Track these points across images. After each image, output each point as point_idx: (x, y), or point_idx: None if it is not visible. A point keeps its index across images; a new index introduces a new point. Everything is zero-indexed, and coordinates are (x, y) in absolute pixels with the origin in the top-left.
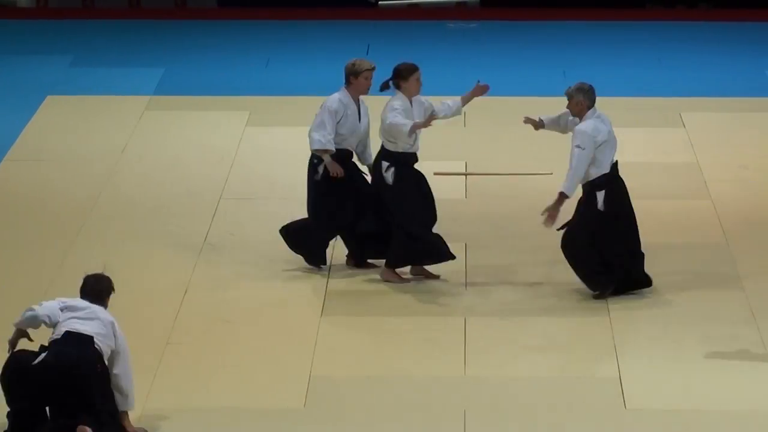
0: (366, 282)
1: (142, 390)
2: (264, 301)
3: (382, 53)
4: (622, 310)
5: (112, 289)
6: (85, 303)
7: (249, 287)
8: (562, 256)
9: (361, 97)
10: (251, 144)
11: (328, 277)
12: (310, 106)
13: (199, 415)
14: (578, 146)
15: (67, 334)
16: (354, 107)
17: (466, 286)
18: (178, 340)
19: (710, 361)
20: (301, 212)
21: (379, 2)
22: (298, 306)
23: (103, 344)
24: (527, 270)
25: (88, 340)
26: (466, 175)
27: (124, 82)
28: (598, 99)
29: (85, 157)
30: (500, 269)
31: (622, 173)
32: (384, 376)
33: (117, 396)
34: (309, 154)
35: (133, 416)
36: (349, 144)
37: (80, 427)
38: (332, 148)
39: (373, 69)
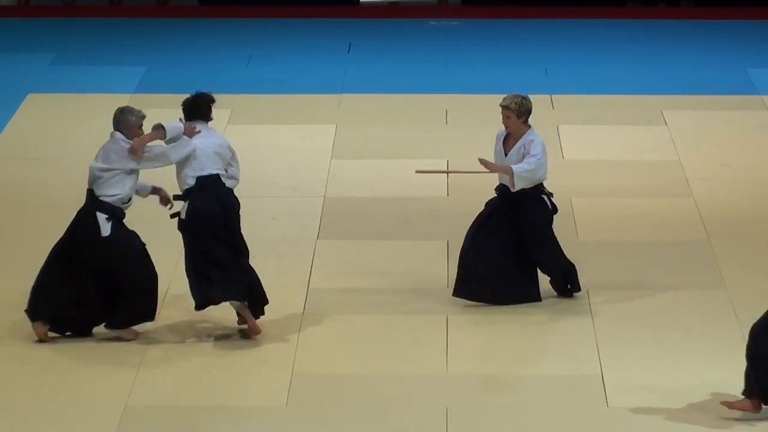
0: (348, 280)
1: (125, 387)
2: None
3: (363, 51)
4: (604, 308)
5: None
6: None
7: None
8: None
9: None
10: (233, 142)
11: (310, 275)
12: (291, 103)
13: (182, 413)
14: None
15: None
16: None
17: (448, 284)
18: (161, 338)
19: (692, 358)
20: (281, 209)
21: (361, 0)
22: (280, 303)
23: None
24: None
25: None
26: (447, 173)
27: (106, 80)
28: (582, 97)
29: (67, 155)
30: None
31: (604, 171)
32: (366, 375)
33: None
34: (291, 152)
35: (116, 413)
36: None
37: None
38: None
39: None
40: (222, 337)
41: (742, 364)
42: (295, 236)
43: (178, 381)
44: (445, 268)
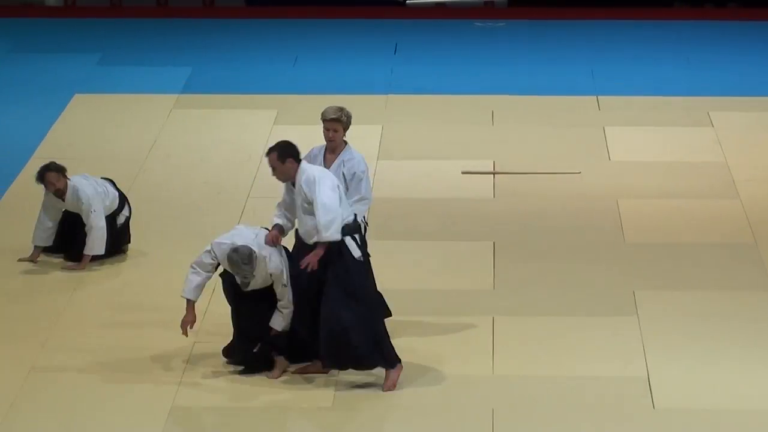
0: (394, 280)
1: (171, 388)
2: None
3: (409, 52)
4: (650, 309)
5: None
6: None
7: None
8: (589, 255)
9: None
10: None
11: None
12: (337, 104)
13: (228, 413)
14: None
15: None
16: None
17: (494, 285)
18: (208, 338)
19: (739, 360)
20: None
21: (407, 1)
22: None
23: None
24: (555, 269)
25: None
26: (494, 174)
27: (152, 81)
28: (628, 98)
29: (113, 155)
30: (528, 268)
31: (650, 172)
32: (411, 376)
33: None
34: None
35: (163, 414)
36: None
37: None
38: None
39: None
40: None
41: None
42: None
43: (224, 381)
44: (490, 270)
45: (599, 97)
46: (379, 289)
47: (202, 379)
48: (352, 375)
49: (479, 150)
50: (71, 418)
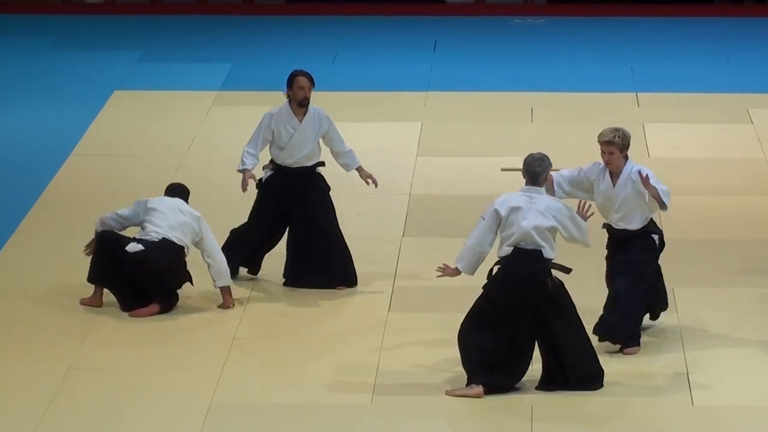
0: (433, 277)
1: (210, 385)
2: (329, 294)
3: (448, 49)
4: (690, 306)
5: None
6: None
7: None
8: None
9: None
10: None
11: (396, 273)
12: (377, 101)
13: (266, 410)
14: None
15: (164, 240)
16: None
17: None
18: (246, 335)
19: None
20: (366, 207)
21: None
22: (366, 301)
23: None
24: (594, 266)
25: (179, 249)
26: None
27: (191, 78)
28: (668, 95)
29: (152, 152)
30: (566, 263)
31: (689, 169)
32: (450, 373)
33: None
34: (376, 149)
35: (201, 411)
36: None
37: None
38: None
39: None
40: (306, 335)
41: None
42: (381, 234)
43: (263, 378)
44: None
45: (638, 94)
46: (418, 285)
47: (241, 375)
48: (390, 372)
49: (518, 147)
50: (109, 415)
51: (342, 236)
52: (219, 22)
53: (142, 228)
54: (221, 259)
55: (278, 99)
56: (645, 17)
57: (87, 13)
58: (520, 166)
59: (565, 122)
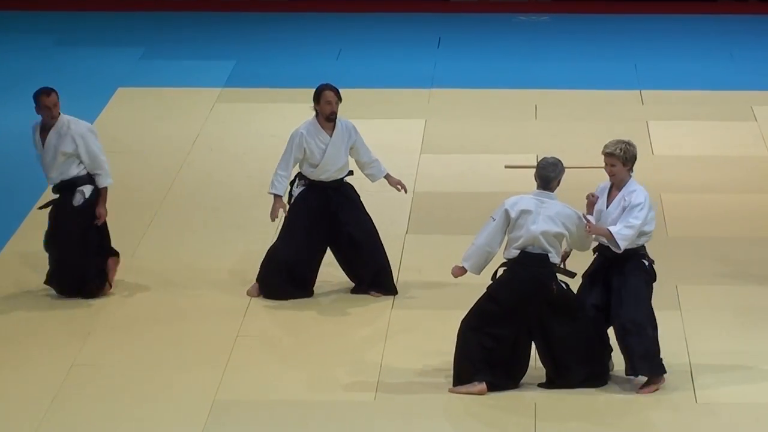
0: (437, 274)
1: (213, 382)
2: (335, 288)
3: (452, 46)
4: (692, 303)
5: None
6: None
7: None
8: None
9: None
10: None
11: (399, 270)
12: (381, 98)
13: (269, 407)
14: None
15: None
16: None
17: None
18: (249, 333)
19: None
20: (370, 204)
21: None
22: (369, 298)
23: None
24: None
25: None
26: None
27: (195, 75)
28: (672, 92)
29: (156, 148)
30: (569, 262)
31: (693, 167)
32: (452, 368)
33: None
34: (380, 146)
35: (205, 408)
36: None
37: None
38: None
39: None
40: (309, 332)
41: None
42: (384, 231)
43: (266, 376)
44: None
45: (642, 91)
46: (422, 282)
47: (244, 372)
48: (393, 369)
49: (522, 144)
50: (112, 412)
51: (381, 244)
52: (222, 19)
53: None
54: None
55: (281, 95)
56: (649, 15)
57: (90, 10)
58: (524, 163)
59: (569, 119)
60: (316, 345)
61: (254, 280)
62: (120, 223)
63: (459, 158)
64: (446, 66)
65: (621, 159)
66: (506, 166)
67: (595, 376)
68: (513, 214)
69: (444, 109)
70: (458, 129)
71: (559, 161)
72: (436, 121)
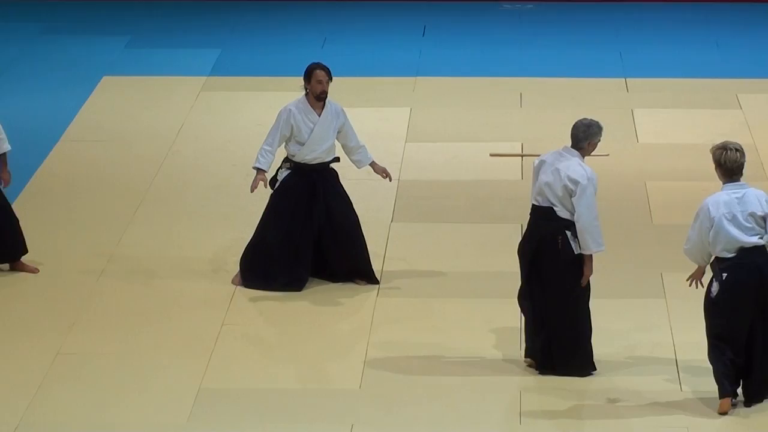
0: (422, 262)
1: (198, 370)
2: (316, 280)
3: (437, 34)
4: (678, 290)
5: None
6: None
7: None
8: (617, 237)
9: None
10: None
11: (384, 258)
12: (366, 86)
13: (255, 395)
14: None
15: None
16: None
17: None
18: (234, 322)
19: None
20: (355, 192)
21: None
22: (354, 286)
23: None
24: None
25: None
26: (522, 156)
27: (180, 63)
28: (657, 80)
29: (141, 137)
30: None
31: (678, 155)
32: (440, 358)
33: None
34: (365, 134)
35: (190, 396)
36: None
37: None
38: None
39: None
40: (295, 321)
41: None
42: (370, 219)
43: (252, 364)
44: None
45: (627, 79)
46: (407, 270)
47: (229, 361)
48: (378, 357)
49: (507, 132)
50: (98, 400)
51: (362, 234)
52: (208, 7)
53: None
54: None
55: (266, 84)
56: (634, 2)
57: None
58: (510, 151)
59: (554, 108)
60: (301, 334)
61: (238, 270)
62: (105, 212)
63: (444, 146)
64: (431, 54)
65: None
66: (491, 155)
67: (580, 364)
68: (535, 163)
69: (429, 97)
70: (443, 117)
71: (594, 123)
72: (421, 109)
